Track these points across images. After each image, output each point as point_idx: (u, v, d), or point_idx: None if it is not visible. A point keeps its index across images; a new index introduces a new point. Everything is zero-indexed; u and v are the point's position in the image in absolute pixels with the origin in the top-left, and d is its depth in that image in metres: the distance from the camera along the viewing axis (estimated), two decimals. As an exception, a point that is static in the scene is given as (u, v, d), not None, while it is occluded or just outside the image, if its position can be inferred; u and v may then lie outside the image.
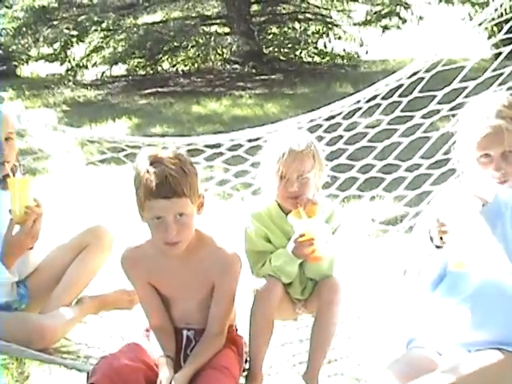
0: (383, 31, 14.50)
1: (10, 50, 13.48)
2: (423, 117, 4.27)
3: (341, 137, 4.43)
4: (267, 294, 3.03)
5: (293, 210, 3.04)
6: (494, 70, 4.11)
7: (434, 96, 4.22)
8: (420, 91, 4.25)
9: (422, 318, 2.91)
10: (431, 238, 2.73)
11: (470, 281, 2.77)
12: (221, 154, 4.46)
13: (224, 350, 2.94)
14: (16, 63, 14.72)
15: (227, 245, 2.93)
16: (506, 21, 4.13)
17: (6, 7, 13.77)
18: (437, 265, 2.85)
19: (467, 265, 2.62)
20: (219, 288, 2.91)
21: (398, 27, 14.42)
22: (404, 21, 14.35)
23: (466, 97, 3.95)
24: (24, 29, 13.14)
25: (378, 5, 14.35)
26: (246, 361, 3.07)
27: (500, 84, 4.05)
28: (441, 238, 2.67)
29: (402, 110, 4.33)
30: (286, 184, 3.08)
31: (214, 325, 2.93)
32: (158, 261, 2.92)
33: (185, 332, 3.00)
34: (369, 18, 14.42)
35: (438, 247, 2.73)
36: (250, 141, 4.33)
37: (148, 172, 2.69)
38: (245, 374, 3.06)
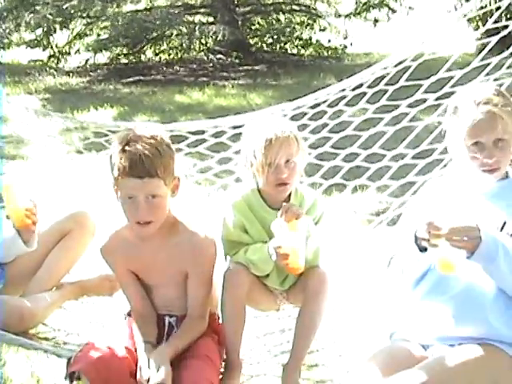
0: (375, 24, 14.38)
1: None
2: (409, 106, 4.24)
3: (325, 125, 4.41)
4: (234, 280, 3.00)
5: (278, 217, 2.94)
6: (482, 60, 4.10)
7: (420, 85, 4.18)
8: (406, 80, 4.22)
9: (405, 311, 2.89)
10: (416, 238, 2.69)
11: (455, 281, 2.74)
12: (204, 140, 4.43)
13: (205, 338, 2.93)
14: (-4, 48, 14.53)
15: (201, 229, 2.91)
16: (492, 13, 4.12)
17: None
18: (422, 266, 2.82)
19: (456, 269, 2.60)
20: (193, 272, 2.90)
21: (388, 18, 14.33)
22: (394, 11, 14.29)
23: (453, 86, 3.94)
24: (5, 13, 12.99)
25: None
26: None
27: (486, 75, 4.05)
28: (428, 240, 2.62)
29: (387, 99, 4.31)
30: (275, 171, 3.00)
31: (193, 309, 2.93)
32: (135, 247, 2.91)
33: (167, 318, 2.99)
34: (358, 9, 14.30)
35: (421, 250, 2.69)
36: (233, 128, 4.29)
37: (123, 151, 2.68)
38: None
